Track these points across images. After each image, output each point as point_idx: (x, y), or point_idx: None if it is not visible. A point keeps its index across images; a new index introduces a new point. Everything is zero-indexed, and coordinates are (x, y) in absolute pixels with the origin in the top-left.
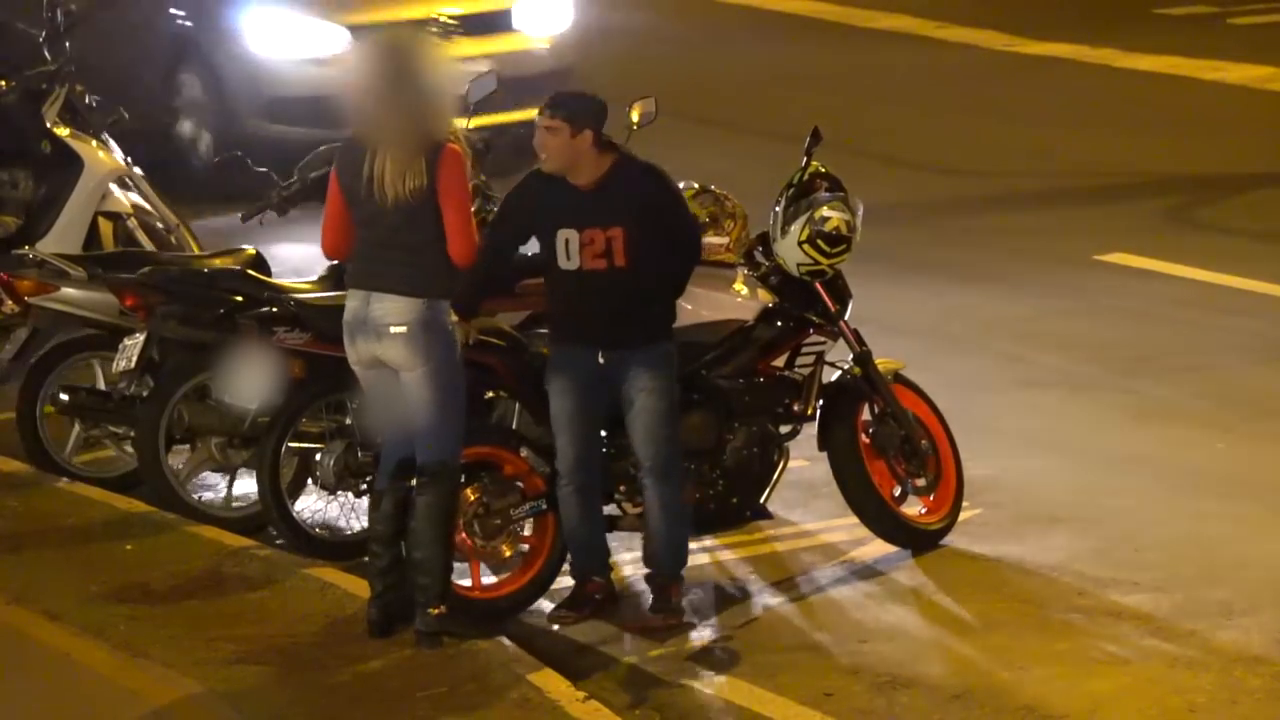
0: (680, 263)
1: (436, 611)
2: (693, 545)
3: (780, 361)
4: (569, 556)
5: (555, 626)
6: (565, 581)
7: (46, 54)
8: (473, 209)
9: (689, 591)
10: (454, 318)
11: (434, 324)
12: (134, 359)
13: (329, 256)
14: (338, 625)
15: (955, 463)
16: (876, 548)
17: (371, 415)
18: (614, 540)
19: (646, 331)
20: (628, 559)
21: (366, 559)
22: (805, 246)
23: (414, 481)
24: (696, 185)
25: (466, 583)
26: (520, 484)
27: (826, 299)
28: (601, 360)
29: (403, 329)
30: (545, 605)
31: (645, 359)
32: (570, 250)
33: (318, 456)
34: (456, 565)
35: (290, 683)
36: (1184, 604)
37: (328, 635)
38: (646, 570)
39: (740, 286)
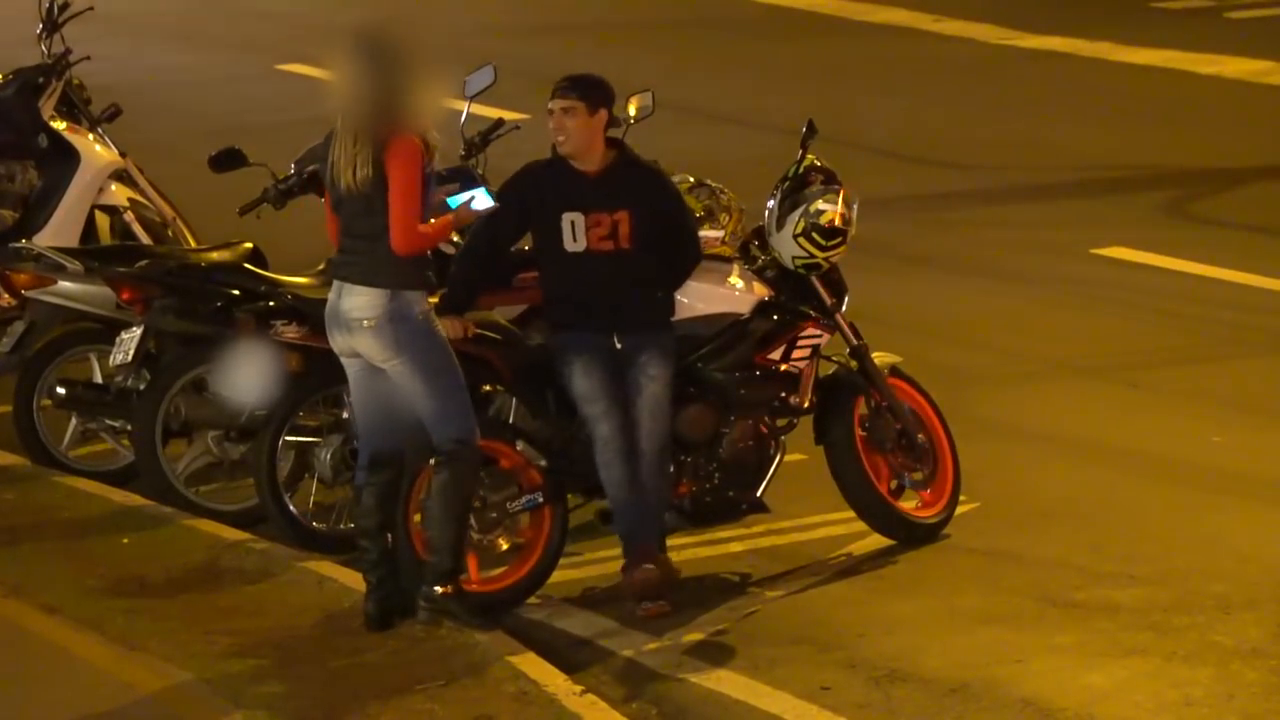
0: (679, 265)
1: (442, 590)
2: (690, 539)
3: (776, 355)
4: (624, 545)
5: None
6: (562, 575)
7: (43, 48)
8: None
9: (685, 585)
10: (429, 304)
11: (401, 315)
12: (131, 352)
13: (334, 244)
14: (335, 618)
15: (952, 456)
16: (873, 541)
17: (354, 406)
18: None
19: (654, 315)
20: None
21: (356, 554)
22: (801, 240)
23: (391, 473)
24: (692, 179)
25: (464, 575)
26: (517, 477)
27: (822, 292)
28: (618, 345)
29: (370, 322)
30: (542, 600)
31: (655, 343)
32: (576, 232)
33: (316, 450)
34: None
35: (287, 676)
36: (1181, 598)
37: (325, 628)
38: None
39: (736, 280)
